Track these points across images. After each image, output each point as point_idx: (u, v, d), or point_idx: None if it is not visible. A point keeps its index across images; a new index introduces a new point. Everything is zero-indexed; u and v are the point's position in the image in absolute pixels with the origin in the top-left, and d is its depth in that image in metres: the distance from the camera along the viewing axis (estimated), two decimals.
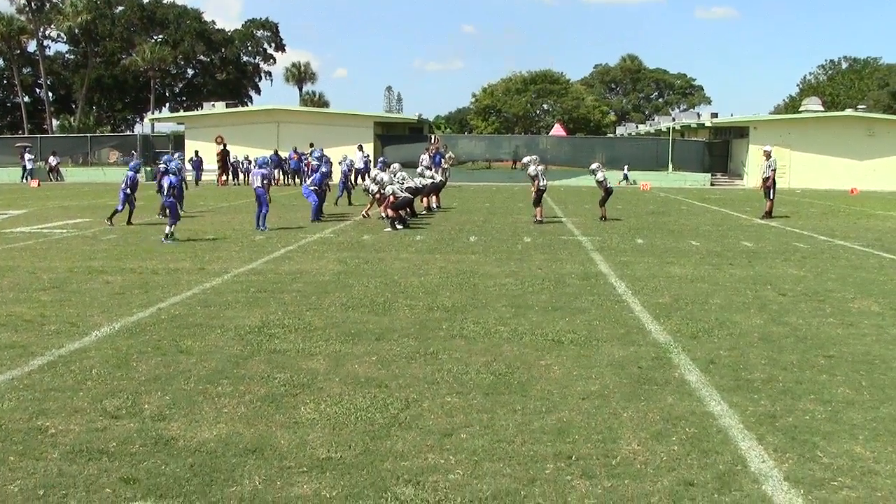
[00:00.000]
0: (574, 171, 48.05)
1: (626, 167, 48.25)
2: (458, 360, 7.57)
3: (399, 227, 19.31)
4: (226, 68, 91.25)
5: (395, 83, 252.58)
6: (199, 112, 56.14)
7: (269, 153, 43.53)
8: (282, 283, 11.79)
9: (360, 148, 41.16)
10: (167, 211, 17.52)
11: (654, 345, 8.23)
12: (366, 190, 20.06)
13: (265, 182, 19.13)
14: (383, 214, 22.04)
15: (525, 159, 22.92)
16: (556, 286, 11.62)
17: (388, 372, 7.16)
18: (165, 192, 17.56)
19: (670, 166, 49.14)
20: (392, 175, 21.18)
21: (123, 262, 13.90)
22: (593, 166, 22.88)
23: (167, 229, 16.83)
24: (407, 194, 20.34)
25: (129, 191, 20.21)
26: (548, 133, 68.65)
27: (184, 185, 20.41)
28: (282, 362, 7.44)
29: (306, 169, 44.14)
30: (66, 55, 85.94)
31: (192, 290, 11.14)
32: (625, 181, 46.96)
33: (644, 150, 51.18)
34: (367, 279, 12.13)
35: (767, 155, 24.07)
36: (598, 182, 22.48)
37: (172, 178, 17.63)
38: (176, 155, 22.06)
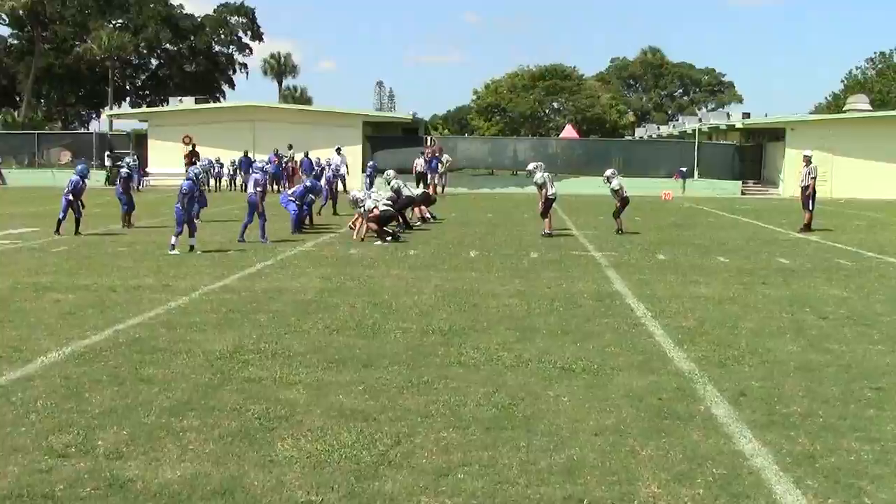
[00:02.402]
0: (587, 179, 48.21)
1: (683, 169, 48.60)
2: (456, 390, 7.58)
3: (388, 240, 19.32)
4: (195, 59, 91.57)
5: (386, 78, 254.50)
6: (165, 108, 56.34)
7: (259, 156, 43.72)
8: (257, 302, 11.79)
9: (339, 151, 41.33)
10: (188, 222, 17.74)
11: (676, 374, 8.24)
12: (353, 202, 20.08)
13: (259, 189, 19.17)
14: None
15: (530, 166, 22.96)
16: (567, 307, 11.64)
17: (376, 403, 7.16)
18: (186, 199, 17.63)
19: (696, 172, 49.27)
20: (367, 192, 21.08)
21: (75, 277, 13.90)
22: (608, 173, 22.92)
23: (190, 241, 17.45)
24: (388, 208, 20.18)
25: (70, 197, 20.32)
26: (558, 135, 68.88)
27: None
28: (257, 392, 7.44)
29: (287, 175, 44.44)
30: (10, 40, 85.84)
31: (154, 309, 11.14)
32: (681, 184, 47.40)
33: (666, 154, 51.30)
34: (353, 298, 12.13)
35: (807, 160, 24.18)
36: (613, 191, 22.54)
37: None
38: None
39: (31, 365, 8.30)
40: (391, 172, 23.78)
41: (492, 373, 8.17)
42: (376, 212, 19.59)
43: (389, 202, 20.78)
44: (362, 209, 19.70)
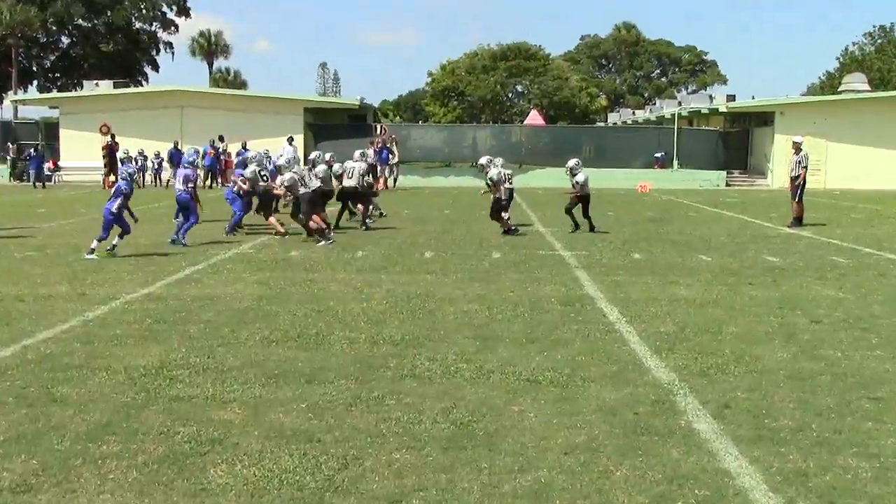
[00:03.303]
0: (554, 170, 48.42)
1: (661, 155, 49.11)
2: (410, 406, 7.60)
3: (331, 242, 19.12)
4: (113, 37, 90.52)
5: (330, 59, 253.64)
6: (79, 93, 55.84)
7: (189, 147, 43.38)
8: (187, 311, 11.73)
9: (291, 141, 41.20)
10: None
11: (654, 385, 8.33)
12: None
13: (190, 185, 19.01)
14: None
15: (483, 160, 22.85)
16: (532, 313, 11.71)
17: (321, 422, 7.16)
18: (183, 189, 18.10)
19: (675, 163, 49.75)
20: (289, 162, 20.90)
21: None
22: (571, 163, 22.66)
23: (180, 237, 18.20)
24: (306, 190, 19.84)
25: None
26: (522, 122, 69.15)
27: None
28: (186, 412, 7.41)
29: (223, 168, 44.23)
30: None
31: (69, 321, 11.04)
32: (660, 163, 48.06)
33: (643, 141, 51.74)
34: (295, 306, 12.12)
35: (797, 147, 24.42)
36: (576, 184, 22.27)
37: (188, 171, 18.95)
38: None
39: None
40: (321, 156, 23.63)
41: (449, 386, 8.20)
42: (290, 196, 19.64)
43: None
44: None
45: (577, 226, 22.10)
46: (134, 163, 43.80)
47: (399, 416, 7.33)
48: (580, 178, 22.14)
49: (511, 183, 21.85)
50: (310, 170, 21.30)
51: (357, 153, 24.08)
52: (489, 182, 21.56)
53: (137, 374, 8.59)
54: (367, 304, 12.25)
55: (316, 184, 20.09)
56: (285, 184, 19.71)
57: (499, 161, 22.54)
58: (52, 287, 13.59)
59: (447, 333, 10.43)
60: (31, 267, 15.71)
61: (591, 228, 22.17)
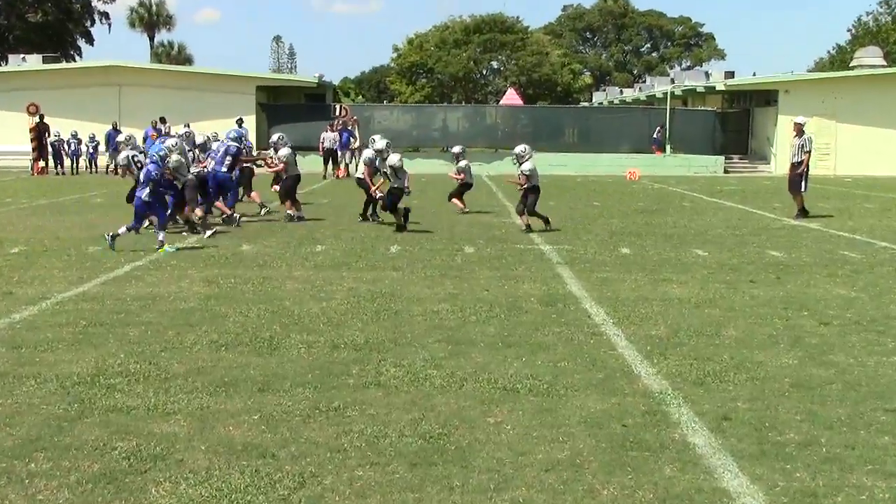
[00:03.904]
0: (536, 155, 48.53)
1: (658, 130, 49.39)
2: (374, 417, 7.60)
3: (206, 230, 19.52)
4: (42, 6, 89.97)
5: (285, 32, 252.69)
6: (3, 68, 55.28)
7: (128, 130, 43.13)
8: (126, 312, 11.68)
9: (240, 123, 41.00)
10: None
11: (644, 394, 8.36)
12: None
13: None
14: (289, 212, 22.34)
15: (456, 149, 23.12)
16: (510, 314, 11.74)
17: (275, 436, 7.16)
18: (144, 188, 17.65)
19: (668, 146, 49.96)
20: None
21: None
22: (519, 150, 21.67)
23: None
24: (191, 176, 20.12)
25: None
26: (498, 101, 69.26)
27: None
28: (125, 425, 7.38)
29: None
30: None
31: None
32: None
33: (631, 123, 51.88)
34: (246, 306, 12.09)
35: (799, 130, 24.48)
36: (521, 174, 21.19)
37: (150, 166, 17.90)
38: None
39: None
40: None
41: (418, 396, 8.21)
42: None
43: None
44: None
45: (547, 220, 21.24)
46: (66, 146, 43.61)
47: (362, 428, 7.33)
48: (528, 166, 21.08)
49: (472, 178, 21.54)
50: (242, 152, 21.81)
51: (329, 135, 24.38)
52: (458, 168, 21.52)
53: (70, 382, 8.55)
54: (327, 305, 12.24)
55: (195, 171, 20.56)
56: (170, 166, 19.73)
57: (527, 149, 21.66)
58: None
59: (415, 337, 10.44)
60: None
61: (527, 228, 20.93)
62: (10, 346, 9.86)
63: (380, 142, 22.75)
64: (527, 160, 21.28)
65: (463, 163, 25.16)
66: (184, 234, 19.57)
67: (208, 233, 19.17)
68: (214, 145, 22.27)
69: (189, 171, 19.85)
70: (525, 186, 21.09)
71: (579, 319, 11.46)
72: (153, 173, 17.37)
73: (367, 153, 23.13)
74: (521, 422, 7.55)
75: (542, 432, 7.30)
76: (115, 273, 14.68)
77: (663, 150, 49.50)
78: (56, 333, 10.49)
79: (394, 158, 21.11)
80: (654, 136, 49.81)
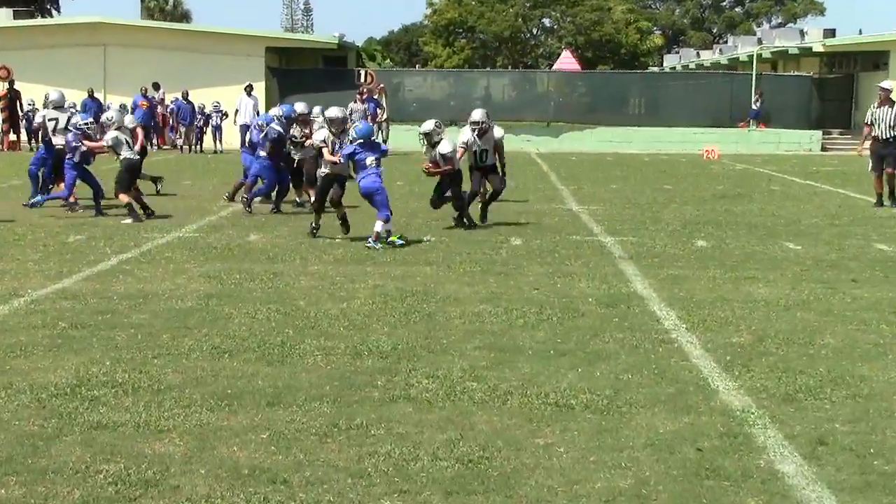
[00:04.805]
0: (593, 130, 48.32)
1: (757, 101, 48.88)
2: (403, 437, 7.63)
3: (142, 216, 20.03)
4: None
5: None
6: None
7: (115, 99, 43.28)
8: (113, 312, 11.77)
9: (249, 91, 41.14)
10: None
11: (723, 413, 8.34)
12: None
13: (73, 156, 19.81)
14: (297, 199, 22.50)
15: (427, 125, 19.86)
16: (563, 317, 11.75)
17: (287, 458, 7.19)
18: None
19: (752, 120, 49.62)
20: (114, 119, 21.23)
21: None
22: (428, 126, 19.39)
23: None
24: (131, 156, 20.48)
25: None
26: (551, 66, 69.07)
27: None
28: (111, 445, 7.43)
29: (160, 125, 44.24)
30: None
31: None
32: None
33: (710, 92, 51.54)
34: (253, 306, 12.16)
35: (887, 97, 23.81)
36: (439, 157, 19.12)
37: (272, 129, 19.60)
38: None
39: None
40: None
41: (454, 412, 8.23)
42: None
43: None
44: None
45: (471, 222, 19.46)
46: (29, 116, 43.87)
47: (389, 450, 7.35)
48: (445, 148, 18.98)
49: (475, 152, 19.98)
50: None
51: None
52: (439, 155, 19.03)
53: (47, 394, 8.60)
54: (348, 305, 12.28)
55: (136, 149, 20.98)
56: (108, 143, 19.99)
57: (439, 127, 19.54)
58: None
59: (451, 343, 10.47)
60: None
61: (465, 222, 19.43)
62: None
63: (427, 123, 19.75)
64: (441, 138, 19.15)
65: (447, 146, 20.81)
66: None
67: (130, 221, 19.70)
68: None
69: (129, 149, 20.39)
70: (443, 172, 19.19)
71: (645, 324, 11.45)
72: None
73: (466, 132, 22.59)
74: (575, 444, 7.54)
75: (600, 456, 7.30)
76: (99, 267, 14.79)
77: (766, 123, 48.97)
78: (31, 337, 10.56)
79: (445, 147, 19.06)
80: (753, 106, 49.21)
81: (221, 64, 47.30)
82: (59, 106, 22.46)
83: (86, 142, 20.25)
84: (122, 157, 19.98)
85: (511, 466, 7.09)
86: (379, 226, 16.84)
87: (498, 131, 20.00)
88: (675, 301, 12.70)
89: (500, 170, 19.98)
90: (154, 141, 43.91)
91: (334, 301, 12.52)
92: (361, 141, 16.97)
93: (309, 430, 7.77)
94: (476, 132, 19.41)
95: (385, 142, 41.12)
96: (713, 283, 13.93)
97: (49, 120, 22.02)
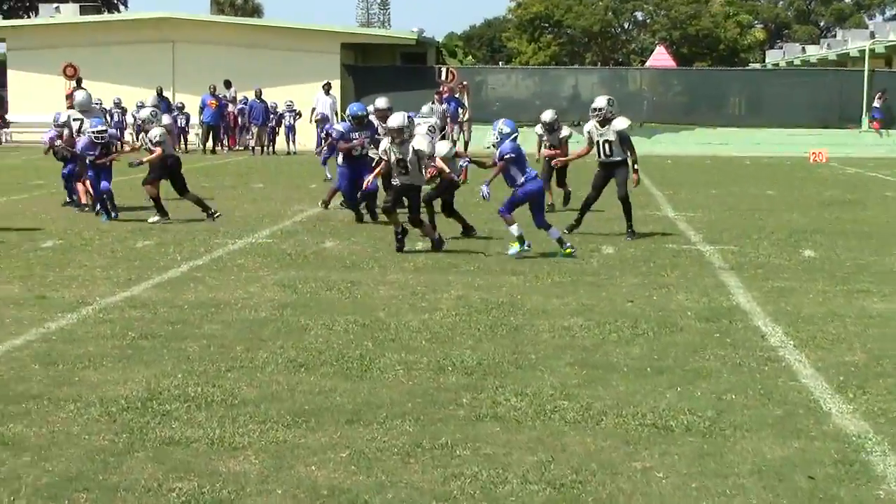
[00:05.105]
0: (691, 132, 47.99)
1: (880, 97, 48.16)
2: (490, 458, 7.61)
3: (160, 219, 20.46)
4: None
5: None
6: (33, 20, 56.52)
7: (183, 97, 43.70)
8: (184, 322, 11.89)
9: (327, 89, 41.33)
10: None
11: (837, 438, 8.23)
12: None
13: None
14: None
15: (546, 115, 22.42)
16: (660, 332, 11.70)
17: (367, 479, 7.20)
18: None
19: (864, 120, 49.06)
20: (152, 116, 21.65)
21: None
22: (547, 117, 22.37)
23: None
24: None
25: None
26: (644, 63, 68.82)
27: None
28: (183, 461, 7.49)
29: (231, 125, 44.60)
30: None
31: (23, 334, 11.25)
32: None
33: (817, 91, 50.97)
34: (330, 317, 12.22)
35: None
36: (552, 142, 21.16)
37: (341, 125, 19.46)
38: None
39: None
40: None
41: (545, 432, 8.21)
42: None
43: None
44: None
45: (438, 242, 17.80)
46: (108, 117, 44.42)
47: (475, 471, 7.33)
48: (421, 145, 17.42)
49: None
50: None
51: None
52: (438, 160, 18.00)
53: (117, 407, 8.69)
54: (430, 317, 12.31)
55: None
56: (156, 139, 20.47)
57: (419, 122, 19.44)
58: (0, 287, 13.88)
59: (540, 358, 10.44)
60: None
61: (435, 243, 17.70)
62: (44, 363, 10.08)
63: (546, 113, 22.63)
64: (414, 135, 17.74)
65: (446, 146, 20.36)
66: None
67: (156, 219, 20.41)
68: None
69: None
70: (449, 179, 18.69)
71: (750, 340, 11.34)
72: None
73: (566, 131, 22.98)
74: (675, 468, 7.48)
75: (703, 482, 7.24)
76: (169, 274, 14.96)
77: (883, 124, 48.30)
78: (99, 347, 10.70)
79: (442, 148, 18.80)
80: (876, 104, 48.57)
81: (294, 61, 47.58)
82: (85, 108, 22.80)
83: (90, 155, 20.75)
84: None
85: (606, 492, 7.05)
86: (555, 232, 16.86)
87: (622, 122, 19.78)
88: (781, 316, 12.57)
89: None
90: (224, 142, 44.34)
91: (415, 312, 12.56)
92: (517, 135, 17.13)
93: (391, 449, 7.78)
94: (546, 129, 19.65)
95: (467, 143, 41.20)
96: (823, 297, 13.78)
97: (74, 120, 22.34)
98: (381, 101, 22.04)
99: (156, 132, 20.38)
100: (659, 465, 7.54)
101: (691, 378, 9.80)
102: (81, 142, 21.00)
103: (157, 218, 20.34)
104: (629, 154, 19.17)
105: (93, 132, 20.76)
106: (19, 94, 49.38)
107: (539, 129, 22.88)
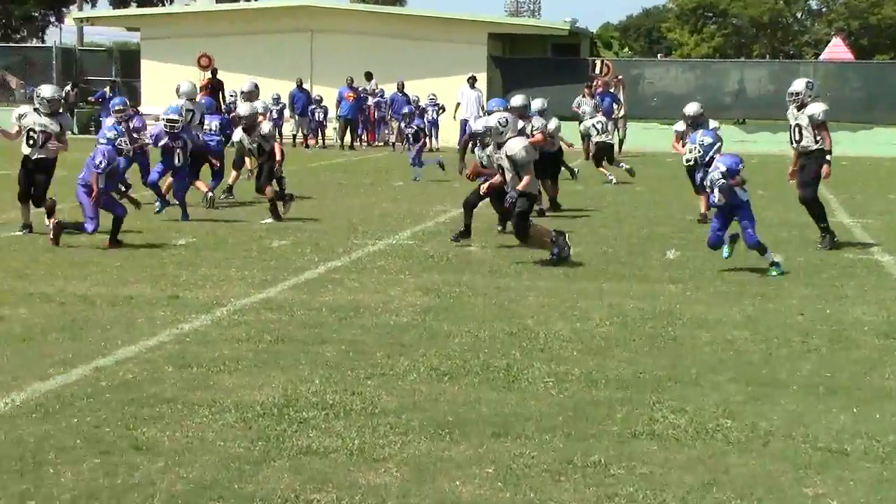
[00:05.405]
0: (871, 132, 47.13)
1: None
2: (647, 478, 7.58)
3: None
4: None
5: None
6: (167, 8, 57.59)
7: (321, 90, 44.05)
8: (321, 326, 12.05)
9: (473, 83, 41.43)
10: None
11: None
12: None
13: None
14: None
15: (691, 108, 22.23)
16: (834, 348, 11.54)
17: (515, 496, 7.22)
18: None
19: None
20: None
21: (30, 281, 14.44)
22: (691, 110, 22.66)
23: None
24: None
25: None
26: (818, 57, 67.82)
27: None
28: (321, 472, 7.57)
29: (371, 119, 44.91)
30: None
31: (157, 335, 11.48)
32: None
33: None
34: (476, 324, 12.27)
35: None
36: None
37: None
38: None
39: None
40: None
41: (706, 452, 8.15)
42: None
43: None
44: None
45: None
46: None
47: (631, 492, 7.32)
48: (514, 150, 16.51)
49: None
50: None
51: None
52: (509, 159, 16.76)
53: (253, 413, 8.83)
54: (582, 326, 12.30)
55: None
56: (265, 133, 21.15)
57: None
58: (133, 286, 14.17)
59: (701, 373, 10.37)
60: (106, 258, 16.37)
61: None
62: (177, 365, 10.28)
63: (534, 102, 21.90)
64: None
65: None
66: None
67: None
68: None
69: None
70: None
71: None
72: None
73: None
74: (852, 496, 7.37)
75: None
76: (305, 275, 15.15)
77: None
78: (234, 350, 10.88)
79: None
80: None
81: (438, 52, 47.67)
82: (191, 98, 23.16)
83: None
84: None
85: None
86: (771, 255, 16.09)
87: (817, 106, 19.01)
88: None
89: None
90: (363, 137, 44.60)
91: (566, 321, 12.55)
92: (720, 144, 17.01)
93: (539, 465, 7.78)
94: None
95: (622, 142, 41.03)
96: None
97: (187, 111, 22.63)
98: (518, 99, 21.60)
99: (266, 127, 20.79)
100: (833, 492, 7.42)
101: (869, 398, 9.64)
102: (155, 128, 21.45)
103: (270, 221, 20.59)
104: (822, 142, 18.84)
105: (165, 119, 21.05)
106: (153, 85, 50.09)
107: (680, 125, 22.48)
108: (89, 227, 16.75)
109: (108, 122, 20.97)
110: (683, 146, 20.90)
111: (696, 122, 22.01)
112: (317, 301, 13.38)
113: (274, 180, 21.33)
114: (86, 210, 16.90)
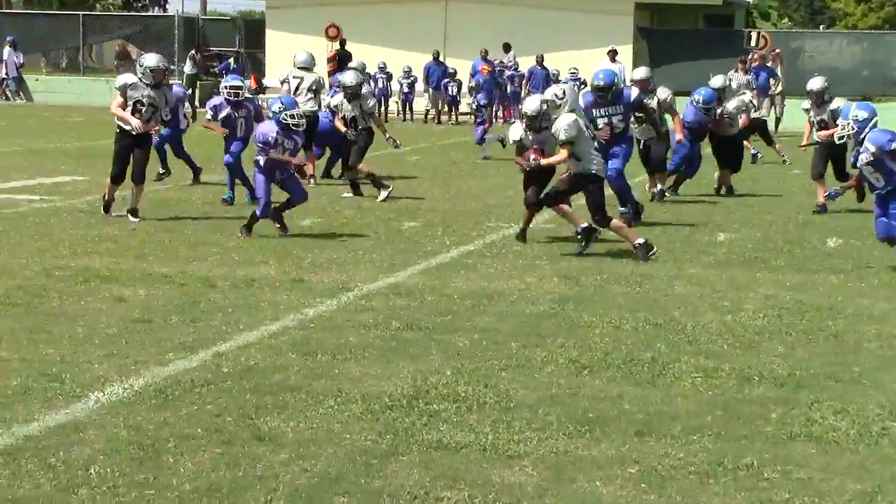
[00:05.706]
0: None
1: None
2: (805, 484, 7.50)
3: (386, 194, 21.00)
4: None
5: None
6: None
7: (455, 62, 44.19)
8: (453, 314, 12.08)
9: (613, 57, 41.40)
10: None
11: None
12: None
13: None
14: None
15: (815, 83, 21.40)
16: None
17: (660, 499, 7.19)
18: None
19: None
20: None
21: (148, 261, 14.68)
22: (816, 84, 21.54)
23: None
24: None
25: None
26: None
27: None
28: (452, 468, 7.59)
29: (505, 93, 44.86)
30: None
31: (280, 320, 11.60)
32: None
33: None
34: (618, 314, 12.24)
35: None
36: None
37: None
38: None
39: (79, 405, 8.77)
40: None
41: (870, 458, 8.04)
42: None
43: None
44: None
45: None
46: (372, 82, 45.09)
47: (787, 498, 7.25)
48: (559, 128, 15.68)
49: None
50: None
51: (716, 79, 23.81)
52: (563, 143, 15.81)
53: (381, 405, 8.87)
54: (734, 318, 12.20)
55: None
56: (368, 107, 21.36)
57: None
58: (256, 268, 14.32)
59: (865, 371, 10.23)
60: (225, 237, 16.61)
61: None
62: (301, 352, 10.38)
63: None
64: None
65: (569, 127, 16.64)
66: None
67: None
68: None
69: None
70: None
71: None
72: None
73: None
74: None
75: None
76: (437, 259, 15.23)
77: None
78: (361, 337, 10.95)
79: (562, 129, 15.64)
80: None
81: (580, 23, 47.42)
82: (306, 67, 23.24)
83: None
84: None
85: None
86: None
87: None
88: None
89: None
90: (499, 113, 44.48)
91: (716, 312, 12.46)
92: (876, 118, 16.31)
93: (687, 466, 7.73)
94: None
95: (779, 120, 40.47)
96: None
97: (294, 78, 22.71)
98: (641, 71, 21.25)
99: (371, 101, 21.01)
100: None
101: None
102: (214, 99, 21.02)
103: (385, 194, 20.85)
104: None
105: (228, 87, 20.22)
106: (278, 56, 50.28)
107: (806, 103, 21.71)
108: (258, 211, 16.53)
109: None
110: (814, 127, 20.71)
111: (820, 100, 21.23)
112: (448, 287, 13.41)
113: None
114: (258, 190, 16.74)
